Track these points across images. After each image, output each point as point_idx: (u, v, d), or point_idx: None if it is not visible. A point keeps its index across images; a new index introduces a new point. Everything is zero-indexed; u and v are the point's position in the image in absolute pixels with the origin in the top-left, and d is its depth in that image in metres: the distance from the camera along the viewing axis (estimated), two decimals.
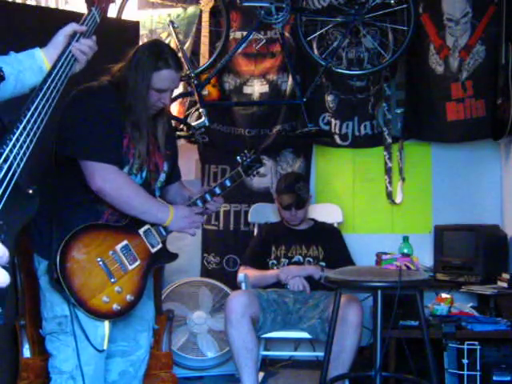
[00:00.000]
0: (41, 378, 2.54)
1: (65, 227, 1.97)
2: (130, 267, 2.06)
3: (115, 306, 1.99)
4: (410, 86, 3.68)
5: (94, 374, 2.00)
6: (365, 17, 3.57)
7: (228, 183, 2.33)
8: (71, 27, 1.77)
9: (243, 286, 3.08)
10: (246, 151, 2.40)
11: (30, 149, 1.54)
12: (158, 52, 2.09)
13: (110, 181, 1.99)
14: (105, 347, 1.99)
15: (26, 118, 1.55)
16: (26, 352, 2.61)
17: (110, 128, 2.02)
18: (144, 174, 2.14)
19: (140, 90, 2.06)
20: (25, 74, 1.66)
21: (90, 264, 1.98)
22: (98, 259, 2.00)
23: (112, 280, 2.00)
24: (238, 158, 2.39)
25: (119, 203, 2.03)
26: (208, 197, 2.28)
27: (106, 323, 2.00)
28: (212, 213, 2.30)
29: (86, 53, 1.77)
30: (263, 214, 3.60)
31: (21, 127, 1.53)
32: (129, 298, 2.03)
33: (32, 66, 1.67)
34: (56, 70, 1.68)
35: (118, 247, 2.05)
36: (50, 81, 1.64)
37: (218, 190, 2.30)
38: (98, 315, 1.97)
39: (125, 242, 2.06)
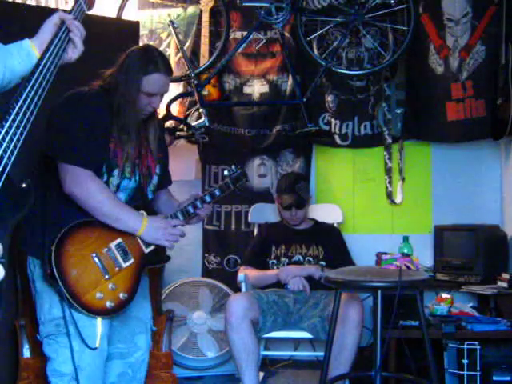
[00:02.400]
0: (41, 378, 2.53)
1: (59, 224, 1.97)
2: (124, 265, 2.06)
3: (108, 303, 1.99)
4: (409, 86, 3.68)
5: (92, 374, 2.00)
6: (365, 17, 3.57)
7: (218, 193, 2.33)
8: (58, 16, 1.72)
9: (243, 285, 3.08)
10: (232, 166, 2.41)
11: (20, 141, 1.51)
12: (148, 56, 2.10)
13: (80, 185, 1.98)
14: (97, 345, 1.98)
15: (15, 110, 1.51)
16: (26, 352, 2.61)
17: (94, 134, 2.02)
18: (137, 178, 2.14)
19: (130, 94, 2.06)
20: (14, 63, 1.61)
21: (85, 259, 1.99)
22: (93, 255, 2.00)
23: (106, 276, 2.00)
24: (226, 171, 2.41)
25: (89, 209, 2.01)
26: (199, 204, 2.28)
27: (99, 320, 1.99)
28: (203, 219, 2.31)
29: (75, 33, 1.71)
30: (263, 213, 3.60)
31: (10, 120, 1.50)
32: (122, 295, 2.03)
33: (21, 55, 1.62)
34: (44, 61, 1.63)
35: (113, 244, 2.05)
36: (38, 72, 1.60)
37: (208, 198, 2.30)
38: (91, 311, 1.96)
39: (119, 240, 2.06)
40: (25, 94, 1.55)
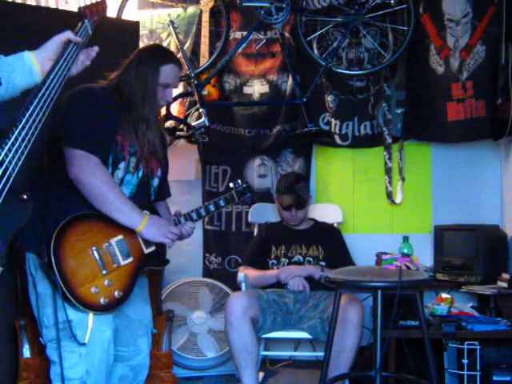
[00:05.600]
0: (41, 377, 2.54)
1: (62, 215, 1.97)
2: (123, 262, 2.05)
3: (102, 299, 1.97)
4: (410, 86, 3.68)
5: (98, 379, 1.99)
6: (365, 17, 3.57)
7: (222, 203, 2.37)
8: (67, 34, 1.79)
9: (243, 285, 3.08)
10: (238, 180, 2.45)
11: (24, 154, 1.57)
12: (161, 49, 2.32)
13: (88, 170, 1.98)
14: (86, 340, 1.95)
15: (22, 124, 1.58)
16: (26, 352, 2.61)
17: (102, 124, 2.04)
18: (140, 174, 2.15)
19: (148, 86, 2.12)
20: (15, 76, 1.66)
21: (84, 251, 1.98)
22: (93, 248, 1.99)
23: (104, 272, 1.99)
24: (231, 184, 2.44)
25: (93, 195, 2.00)
26: (203, 212, 2.31)
27: (91, 316, 1.97)
28: (187, 237, 2.31)
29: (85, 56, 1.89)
30: (263, 213, 3.60)
31: (16, 132, 1.56)
32: (117, 293, 2.01)
33: (23, 68, 1.68)
34: (51, 78, 1.70)
35: (114, 240, 2.04)
36: (44, 88, 1.67)
37: (212, 207, 2.34)
38: (84, 305, 1.94)
39: (121, 237, 2.06)
40: (31, 108, 1.62)
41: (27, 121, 1.59)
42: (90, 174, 1.98)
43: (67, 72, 1.77)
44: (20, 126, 1.57)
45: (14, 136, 1.55)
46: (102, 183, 1.99)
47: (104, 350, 2.00)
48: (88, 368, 1.97)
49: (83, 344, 1.95)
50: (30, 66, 1.69)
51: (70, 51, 1.79)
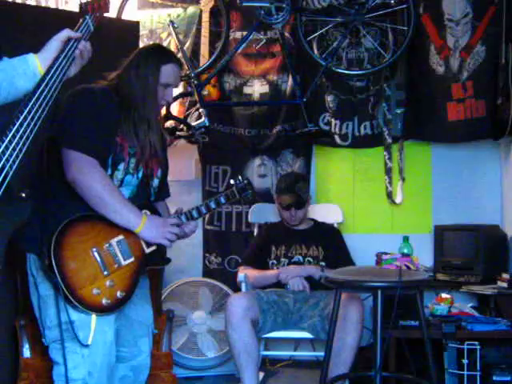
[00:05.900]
0: (41, 377, 2.54)
1: (61, 217, 1.96)
2: (124, 263, 2.03)
3: (105, 300, 1.96)
4: (410, 86, 3.69)
5: (100, 380, 1.99)
6: (365, 17, 3.57)
7: (223, 200, 2.33)
8: (66, 33, 1.78)
9: (243, 286, 3.08)
10: (239, 177, 2.42)
11: (22, 152, 1.55)
12: (162, 49, 2.30)
13: (85, 173, 1.97)
14: (89, 342, 1.95)
15: (19, 121, 1.56)
16: (26, 352, 2.61)
17: (101, 125, 2.02)
18: (140, 175, 2.14)
19: (149, 85, 2.11)
20: (18, 79, 1.65)
21: (85, 253, 1.97)
22: (94, 249, 1.98)
23: (105, 272, 1.98)
24: (232, 180, 2.41)
25: (91, 197, 1.99)
26: (203, 209, 2.28)
27: (94, 317, 1.96)
28: (188, 236, 2.29)
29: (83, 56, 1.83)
30: (263, 214, 3.59)
31: (13, 130, 1.54)
32: (119, 294, 2.00)
33: (26, 71, 1.66)
34: (49, 76, 1.68)
35: (114, 241, 2.03)
36: (43, 85, 1.66)
37: (213, 205, 2.30)
38: (86, 306, 1.93)
39: (121, 237, 2.04)
40: (29, 105, 1.60)
41: (25, 118, 1.57)
42: (88, 176, 1.97)
43: (67, 69, 1.75)
44: (18, 124, 1.55)
45: (12, 133, 1.53)
46: (99, 185, 1.98)
47: (106, 350, 1.99)
48: (90, 369, 1.96)
49: (86, 345, 1.94)
50: (34, 69, 1.68)
51: (70, 47, 1.77)
